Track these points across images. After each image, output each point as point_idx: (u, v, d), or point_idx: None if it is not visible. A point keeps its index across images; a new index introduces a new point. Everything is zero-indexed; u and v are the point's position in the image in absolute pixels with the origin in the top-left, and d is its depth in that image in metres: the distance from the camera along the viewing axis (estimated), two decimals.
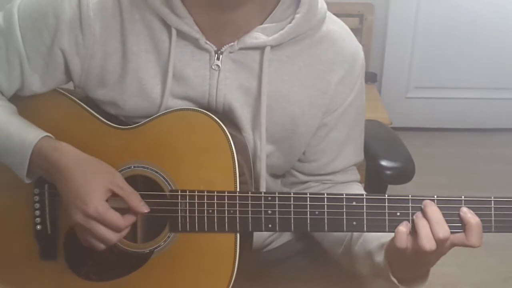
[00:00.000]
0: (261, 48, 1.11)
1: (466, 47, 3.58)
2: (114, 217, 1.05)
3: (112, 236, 1.06)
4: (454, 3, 3.50)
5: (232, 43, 1.10)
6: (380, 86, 3.62)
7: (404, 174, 1.21)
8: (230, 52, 1.11)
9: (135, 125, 1.13)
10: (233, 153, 1.07)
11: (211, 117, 1.09)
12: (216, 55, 1.11)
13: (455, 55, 3.59)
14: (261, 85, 1.11)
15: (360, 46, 1.20)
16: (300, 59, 1.13)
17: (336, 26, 1.17)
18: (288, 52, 1.13)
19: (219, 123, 1.08)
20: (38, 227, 1.16)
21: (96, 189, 1.05)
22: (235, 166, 1.07)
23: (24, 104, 1.17)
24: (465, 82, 3.67)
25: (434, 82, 3.67)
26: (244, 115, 1.13)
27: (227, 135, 1.07)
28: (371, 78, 3.22)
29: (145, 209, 1.08)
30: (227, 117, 1.13)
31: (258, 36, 1.10)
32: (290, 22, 1.11)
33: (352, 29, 1.21)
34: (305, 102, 1.15)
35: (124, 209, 1.08)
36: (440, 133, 3.72)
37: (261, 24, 1.11)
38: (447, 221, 1.00)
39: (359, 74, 1.18)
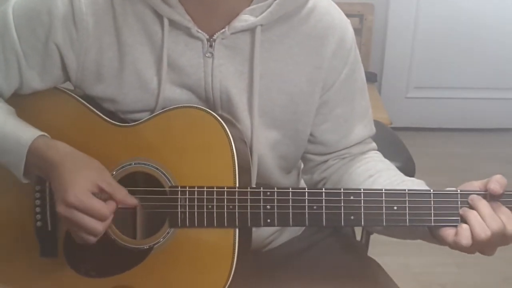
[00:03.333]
0: (251, 30, 1.12)
1: (466, 47, 3.59)
2: (97, 204, 1.05)
3: (98, 225, 1.05)
4: (454, 3, 3.51)
5: (223, 29, 1.11)
6: (380, 86, 3.63)
7: (404, 174, 1.22)
8: (222, 39, 1.12)
9: (135, 123, 1.14)
10: (233, 149, 1.08)
11: (210, 113, 1.09)
12: (209, 42, 1.12)
13: (455, 55, 3.60)
14: (253, 66, 1.12)
15: (348, 20, 1.21)
16: (290, 37, 1.14)
17: (322, 2, 1.18)
18: (278, 32, 1.14)
19: (218, 119, 1.09)
20: (39, 223, 1.16)
21: (82, 180, 1.05)
22: (234, 162, 1.08)
23: (25, 101, 1.18)
24: (465, 82, 3.68)
25: (434, 82, 3.68)
26: (241, 101, 1.14)
27: (226, 131, 1.08)
28: (371, 78, 3.22)
29: (132, 200, 1.09)
30: (226, 108, 1.15)
31: (247, 19, 1.11)
32: None
33: None
34: (301, 79, 1.16)
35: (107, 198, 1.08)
36: (440, 133, 3.73)
37: (249, 6, 1.12)
38: (445, 214, 1.02)
39: (351, 46, 1.19)
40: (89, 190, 1.05)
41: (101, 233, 1.06)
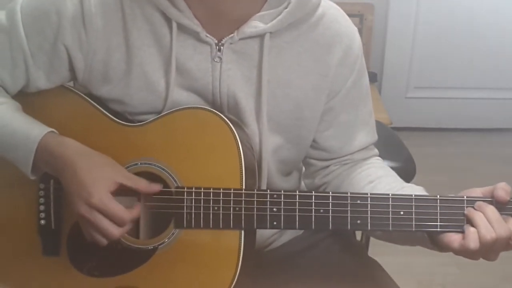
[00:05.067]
0: (260, 36, 1.12)
1: (466, 47, 3.59)
2: (118, 209, 1.05)
3: (115, 231, 1.06)
4: (454, 3, 3.51)
5: (232, 34, 1.11)
6: (380, 86, 3.63)
7: (405, 174, 1.22)
8: (231, 43, 1.12)
9: (142, 123, 1.14)
10: (240, 151, 1.08)
11: (217, 115, 1.09)
12: (217, 47, 1.12)
13: (455, 55, 3.60)
14: (261, 72, 1.12)
15: (356, 28, 1.21)
16: (298, 44, 1.15)
17: (331, 10, 1.18)
18: (286, 38, 1.14)
19: (225, 120, 1.09)
20: (42, 222, 1.16)
21: (102, 180, 1.06)
22: (241, 163, 1.08)
23: (32, 99, 1.18)
24: (465, 82, 3.68)
25: (434, 82, 3.68)
26: (248, 105, 1.14)
27: (233, 132, 1.08)
28: (371, 78, 3.20)
29: (156, 187, 1.09)
30: (233, 112, 1.14)
31: (256, 25, 1.11)
32: (286, 7, 1.12)
33: None
34: (307, 86, 1.16)
35: (128, 206, 1.08)
36: (440, 133, 3.73)
37: (258, 12, 1.12)
38: (451, 220, 1.02)
39: (357, 54, 1.19)
40: (109, 191, 1.06)
41: (116, 238, 1.07)
